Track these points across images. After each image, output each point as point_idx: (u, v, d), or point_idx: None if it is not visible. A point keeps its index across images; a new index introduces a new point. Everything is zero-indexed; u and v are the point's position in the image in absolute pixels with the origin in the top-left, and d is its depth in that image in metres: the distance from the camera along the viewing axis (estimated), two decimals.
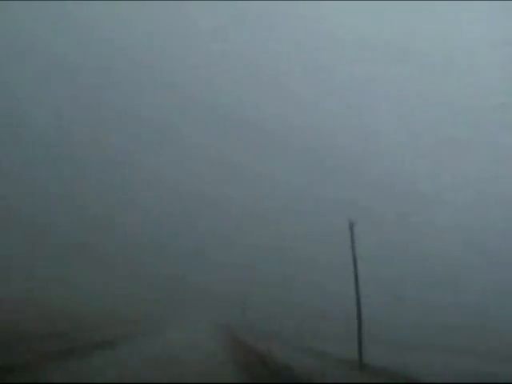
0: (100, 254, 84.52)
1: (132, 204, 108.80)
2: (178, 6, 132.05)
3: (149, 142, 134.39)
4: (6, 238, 66.94)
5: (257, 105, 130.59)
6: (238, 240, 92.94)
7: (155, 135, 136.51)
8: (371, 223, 69.44)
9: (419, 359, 23.30)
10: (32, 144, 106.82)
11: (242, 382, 12.20)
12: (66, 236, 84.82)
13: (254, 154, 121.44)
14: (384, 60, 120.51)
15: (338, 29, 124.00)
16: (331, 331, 37.14)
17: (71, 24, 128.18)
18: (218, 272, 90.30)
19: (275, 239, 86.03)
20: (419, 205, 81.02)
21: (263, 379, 12.62)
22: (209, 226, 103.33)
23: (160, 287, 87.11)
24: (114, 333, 29.22)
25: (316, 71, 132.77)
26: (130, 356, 17.54)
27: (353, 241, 21.96)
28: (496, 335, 39.60)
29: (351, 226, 22.13)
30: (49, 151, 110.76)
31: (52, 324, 27.01)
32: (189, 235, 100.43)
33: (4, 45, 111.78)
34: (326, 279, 60.21)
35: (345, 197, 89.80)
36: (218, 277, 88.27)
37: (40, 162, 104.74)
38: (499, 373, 21.02)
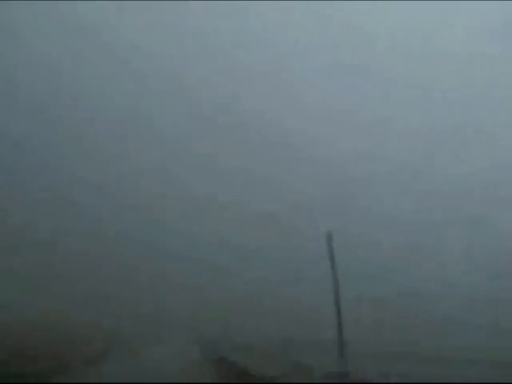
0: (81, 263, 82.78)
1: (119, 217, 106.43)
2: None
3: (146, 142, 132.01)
4: None
5: (252, 108, 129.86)
6: (219, 249, 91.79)
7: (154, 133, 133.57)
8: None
9: (403, 369, 23.32)
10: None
11: None
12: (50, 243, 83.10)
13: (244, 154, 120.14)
14: (375, 52, 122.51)
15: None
16: (314, 343, 37.04)
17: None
18: (199, 283, 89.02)
19: (258, 248, 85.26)
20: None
21: None
22: (187, 234, 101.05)
23: (139, 302, 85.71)
24: (93, 350, 28.68)
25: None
26: (112, 373, 17.25)
27: (332, 253, 21.66)
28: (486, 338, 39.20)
29: (329, 239, 21.79)
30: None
31: (32, 342, 26.47)
32: (170, 243, 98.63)
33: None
34: (307, 290, 60.04)
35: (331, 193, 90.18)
36: (198, 288, 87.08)
37: None
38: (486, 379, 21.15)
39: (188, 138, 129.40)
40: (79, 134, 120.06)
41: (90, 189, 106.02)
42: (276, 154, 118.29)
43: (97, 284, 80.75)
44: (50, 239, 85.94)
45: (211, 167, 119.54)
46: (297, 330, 48.64)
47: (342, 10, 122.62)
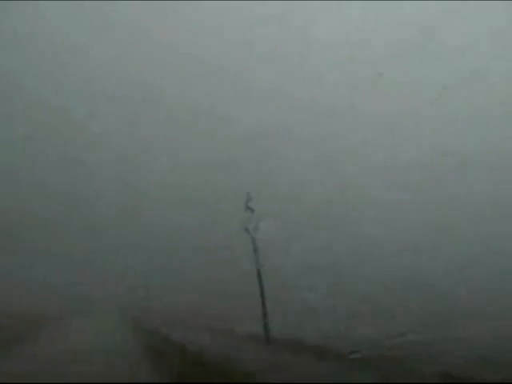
0: None
1: None
2: None
3: None
4: None
5: None
6: (136, 220, 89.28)
7: None
8: None
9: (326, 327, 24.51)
10: None
11: (155, 374, 12.14)
12: None
13: None
14: None
15: None
16: (236, 308, 37.98)
17: None
18: (118, 255, 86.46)
19: (174, 219, 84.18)
20: None
21: (178, 367, 12.65)
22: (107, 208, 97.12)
23: (54, 277, 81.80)
24: (9, 332, 27.20)
25: None
26: (28, 358, 16.68)
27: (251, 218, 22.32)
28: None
29: (248, 201, 22.41)
30: None
31: None
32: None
33: None
34: (225, 253, 60.39)
35: None
36: (118, 260, 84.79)
37: None
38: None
39: None
40: None
41: None
42: None
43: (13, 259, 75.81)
44: None
45: None
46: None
47: None
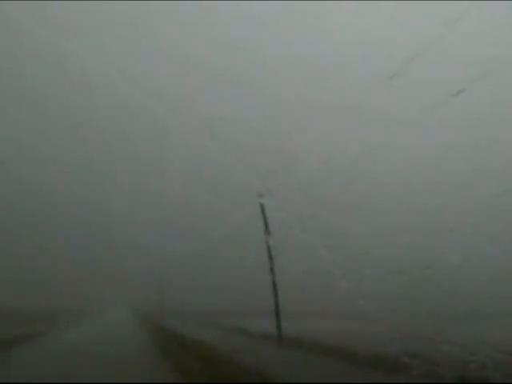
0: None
1: None
2: None
3: None
4: None
5: None
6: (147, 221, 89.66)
7: None
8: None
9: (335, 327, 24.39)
10: None
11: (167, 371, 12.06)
12: None
13: None
14: None
15: None
16: (251, 307, 37.98)
17: None
18: (132, 252, 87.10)
19: (188, 215, 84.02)
20: None
21: (190, 367, 12.53)
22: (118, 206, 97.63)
23: (67, 273, 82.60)
24: (19, 330, 27.28)
25: None
26: (39, 355, 16.71)
27: (263, 212, 22.38)
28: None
29: (260, 197, 22.51)
30: None
31: None
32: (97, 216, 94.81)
33: None
34: (241, 254, 60.31)
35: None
36: (131, 257, 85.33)
37: None
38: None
39: None
40: None
41: None
42: None
43: (26, 260, 76.79)
44: None
45: None
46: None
47: None
